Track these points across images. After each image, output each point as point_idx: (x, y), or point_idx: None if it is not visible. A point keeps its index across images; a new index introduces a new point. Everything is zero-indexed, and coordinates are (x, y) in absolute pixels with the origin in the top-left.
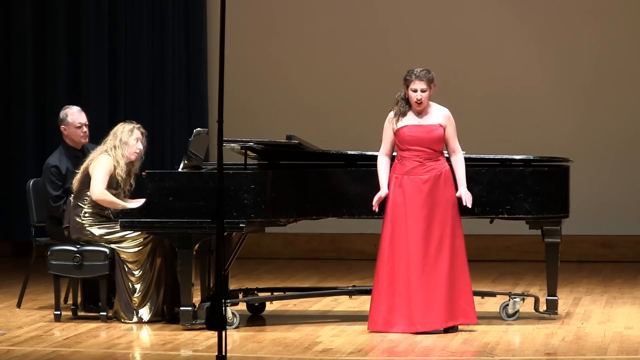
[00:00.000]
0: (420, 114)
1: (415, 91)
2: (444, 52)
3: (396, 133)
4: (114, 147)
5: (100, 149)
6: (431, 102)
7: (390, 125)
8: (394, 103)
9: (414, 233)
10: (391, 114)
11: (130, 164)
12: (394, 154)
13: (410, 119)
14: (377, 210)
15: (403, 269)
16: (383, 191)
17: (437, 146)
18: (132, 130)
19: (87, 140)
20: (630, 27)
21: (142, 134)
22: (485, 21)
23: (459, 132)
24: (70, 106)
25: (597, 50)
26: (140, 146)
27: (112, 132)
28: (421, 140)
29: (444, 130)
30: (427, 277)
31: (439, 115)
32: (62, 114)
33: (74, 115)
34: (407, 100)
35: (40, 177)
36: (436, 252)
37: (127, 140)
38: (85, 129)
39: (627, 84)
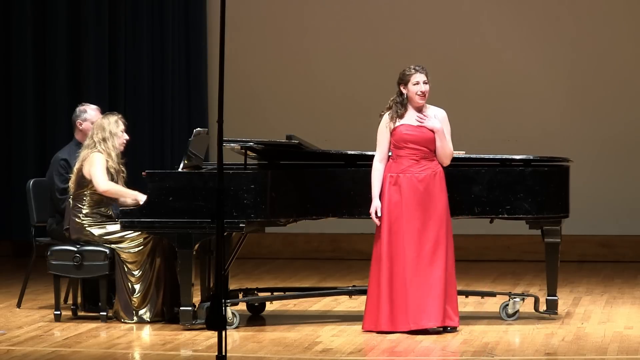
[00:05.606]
0: (418, 113)
1: (418, 84)
2: (444, 51)
3: (393, 132)
4: (104, 139)
5: (87, 144)
6: (427, 104)
7: (387, 128)
8: (387, 107)
9: (410, 232)
10: (386, 116)
11: (119, 154)
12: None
13: (407, 119)
14: (378, 222)
15: (401, 268)
16: (376, 203)
17: (432, 146)
18: (117, 122)
19: None
20: (631, 27)
21: (124, 124)
22: (486, 21)
23: (459, 132)
24: (88, 104)
25: (598, 51)
26: (126, 136)
27: (97, 125)
28: (418, 139)
29: None
30: (422, 276)
31: (435, 116)
32: (79, 109)
33: (93, 112)
34: (402, 103)
35: (41, 177)
36: (432, 251)
37: (115, 132)
38: None
39: (628, 84)
